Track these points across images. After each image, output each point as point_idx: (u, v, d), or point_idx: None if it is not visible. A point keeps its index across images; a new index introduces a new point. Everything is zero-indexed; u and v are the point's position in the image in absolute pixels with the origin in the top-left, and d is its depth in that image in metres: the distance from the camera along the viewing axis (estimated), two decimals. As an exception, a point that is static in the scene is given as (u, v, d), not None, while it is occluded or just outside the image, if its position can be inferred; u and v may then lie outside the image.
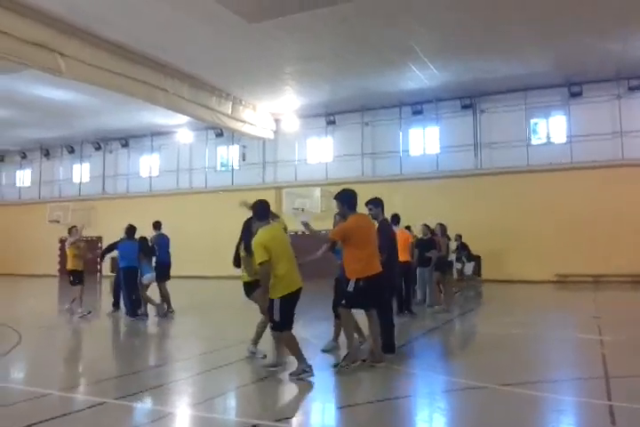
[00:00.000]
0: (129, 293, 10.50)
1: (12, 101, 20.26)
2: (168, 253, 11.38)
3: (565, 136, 19.61)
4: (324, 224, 23.98)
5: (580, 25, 14.37)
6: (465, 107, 20.60)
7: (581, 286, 17.45)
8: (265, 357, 6.58)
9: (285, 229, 6.23)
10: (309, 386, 5.62)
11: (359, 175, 22.23)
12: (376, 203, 7.13)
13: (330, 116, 22.64)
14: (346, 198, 6.30)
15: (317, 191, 22.36)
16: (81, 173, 29.01)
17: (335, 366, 6.01)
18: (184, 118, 21.88)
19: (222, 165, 25.86)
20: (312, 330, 8.55)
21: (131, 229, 10.86)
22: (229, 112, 19.85)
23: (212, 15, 13.19)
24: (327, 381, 5.85)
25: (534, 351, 7.35)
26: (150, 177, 26.77)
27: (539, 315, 11.15)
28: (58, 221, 27.22)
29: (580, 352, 7.35)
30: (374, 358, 6.08)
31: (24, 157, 30.28)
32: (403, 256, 10.00)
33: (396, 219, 10.50)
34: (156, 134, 26.45)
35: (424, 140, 21.92)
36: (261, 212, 5.90)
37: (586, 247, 18.12)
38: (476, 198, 19.93)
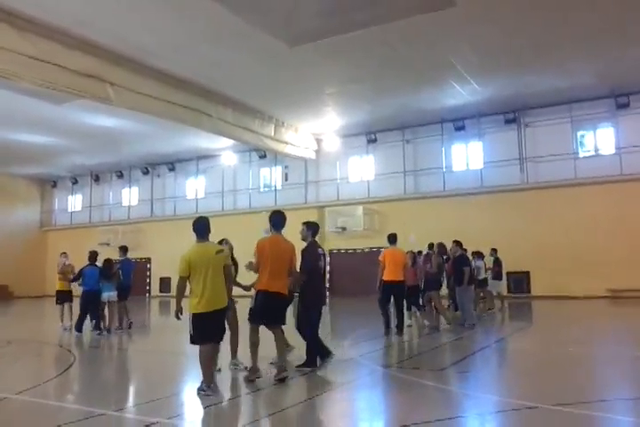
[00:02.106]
0: (92, 312, 11.77)
1: (63, 130, 21.15)
2: (130, 276, 12.51)
3: (614, 148, 19.12)
4: (368, 242, 24.05)
5: (624, 36, 14.13)
6: (508, 121, 20.38)
7: (635, 301, 16.81)
8: (247, 368, 6.64)
9: (222, 252, 6.16)
10: (355, 404, 5.58)
11: (401, 193, 22.17)
12: (309, 226, 7.37)
13: (370, 135, 22.74)
14: (271, 219, 6.79)
15: (360, 210, 22.38)
16: (130, 196, 29.93)
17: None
18: (228, 141, 22.36)
19: (265, 185, 26.22)
20: (359, 350, 8.48)
21: (92, 256, 12.16)
22: (272, 134, 20.19)
23: (255, 42, 13.55)
24: (375, 399, 5.81)
25: (589, 370, 7.10)
26: (196, 199, 27.38)
27: (593, 332, 10.79)
28: (108, 244, 28.02)
29: (637, 371, 7.07)
30: (278, 371, 6.26)
31: (75, 182, 31.48)
32: (395, 276, 10.20)
33: (392, 238, 10.79)
34: (201, 158, 27.10)
35: (467, 156, 21.73)
36: (199, 229, 6.05)
37: (639, 261, 17.50)
38: (523, 213, 19.57)
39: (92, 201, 30.99)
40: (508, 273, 19.76)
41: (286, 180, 25.06)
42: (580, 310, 15.58)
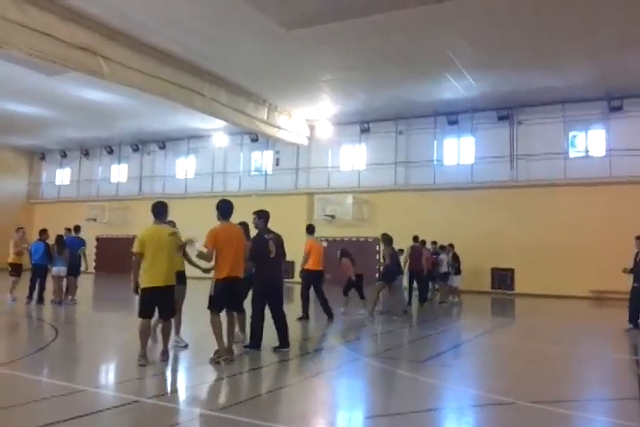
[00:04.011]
0: (39, 283, 12.92)
1: (54, 102, 20.81)
2: (75, 254, 13.20)
3: (605, 150, 19.23)
4: (356, 231, 24.10)
5: (623, 39, 14.11)
6: (501, 118, 20.38)
7: (617, 303, 17.00)
8: (186, 346, 7.44)
9: (175, 234, 6.78)
10: (335, 392, 5.62)
11: (392, 184, 22.17)
12: (259, 214, 7.74)
13: (364, 124, 22.66)
14: (218, 207, 7.05)
15: (349, 198, 22.37)
16: (119, 173, 29.66)
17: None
18: (220, 123, 22.16)
19: (256, 169, 26.09)
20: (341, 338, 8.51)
21: (40, 232, 13.27)
22: (265, 118, 20.03)
23: (252, 23, 13.35)
24: (357, 389, 5.85)
25: (567, 369, 7.21)
26: (186, 179, 27.22)
27: (573, 331, 10.94)
28: (95, 220, 27.90)
29: (614, 372, 7.18)
30: (220, 354, 6.61)
31: (64, 156, 31.10)
32: (318, 265, 10.97)
33: (310, 229, 11.43)
34: (192, 137, 26.87)
35: (459, 151, 21.75)
36: (157, 211, 6.70)
37: (623, 263, 17.64)
38: (511, 210, 19.67)
39: (80, 176, 30.62)
40: (492, 269, 20.03)
41: (277, 164, 24.94)
42: (561, 309, 15.75)
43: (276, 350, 7.38)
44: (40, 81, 17.66)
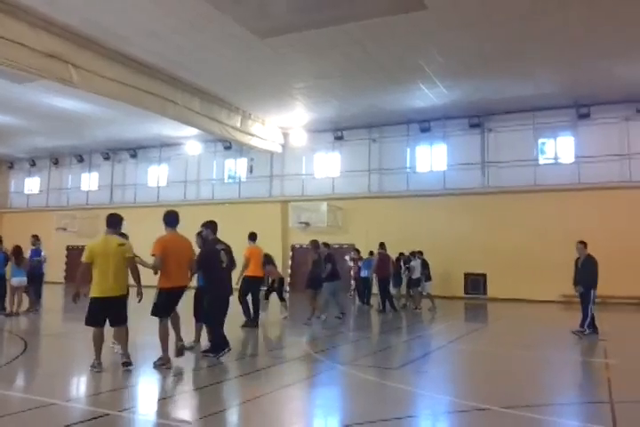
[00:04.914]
0: None
1: (23, 110, 20.45)
2: (38, 263, 13.67)
3: (573, 156, 19.63)
4: (330, 238, 24.16)
5: (592, 49, 14.45)
6: (473, 125, 20.68)
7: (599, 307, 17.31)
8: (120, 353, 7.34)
9: (124, 245, 6.86)
10: (311, 401, 5.59)
11: (366, 191, 22.28)
12: (206, 225, 7.95)
13: (338, 132, 22.76)
14: (164, 218, 7.30)
15: (324, 206, 22.38)
16: (89, 181, 29.21)
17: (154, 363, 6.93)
18: (193, 130, 22.03)
19: (230, 177, 25.98)
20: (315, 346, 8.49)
21: None
22: (238, 125, 19.97)
23: (225, 31, 13.34)
24: (330, 397, 5.83)
25: (539, 374, 7.30)
26: (158, 187, 26.94)
27: (543, 336, 11.09)
28: (65, 229, 27.37)
29: (585, 376, 7.31)
30: (162, 361, 6.90)
31: (33, 164, 30.55)
32: (258, 272, 11.15)
33: (252, 237, 11.48)
34: (164, 145, 26.64)
35: (431, 158, 21.97)
36: (110, 222, 6.93)
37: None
38: (483, 216, 19.93)
39: (49, 184, 30.12)
40: (465, 274, 20.23)
41: (251, 172, 24.85)
42: (532, 314, 15.96)
43: (203, 353, 7.64)
44: (9, 88, 17.36)
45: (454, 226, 20.17)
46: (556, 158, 20.25)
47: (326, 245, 13.35)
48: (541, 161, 20.30)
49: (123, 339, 6.92)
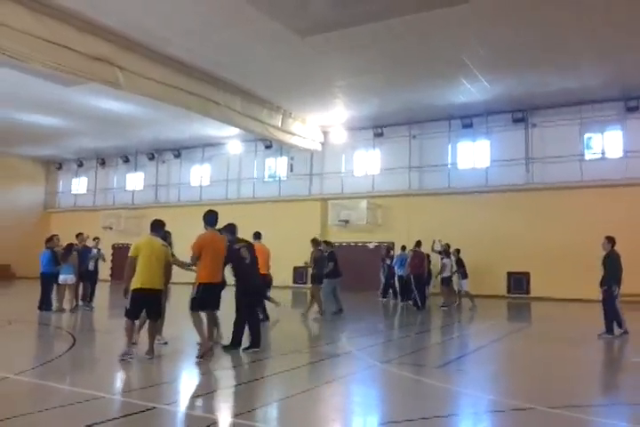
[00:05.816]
0: (45, 292, 12.98)
1: (71, 112, 21.11)
2: (85, 262, 13.76)
3: (622, 151, 19.03)
4: (370, 236, 24.05)
5: (638, 39, 14.00)
6: (516, 120, 20.28)
7: (635, 306, 16.78)
8: (166, 343, 8.07)
9: (167, 246, 7.63)
10: (350, 399, 5.61)
11: (405, 188, 22.14)
12: (225, 229, 8.19)
13: (377, 129, 22.67)
14: (204, 217, 7.71)
15: (363, 203, 22.35)
16: (135, 181, 29.96)
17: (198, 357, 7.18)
18: (234, 130, 22.31)
19: (270, 175, 26.20)
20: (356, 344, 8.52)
21: (47, 240, 13.41)
22: (279, 124, 20.12)
23: (267, 31, 13.47)
24: (370, 394, 5.84)
25: (586, 374, 7.13)
26: (201, 187, 27.42)
27: (587, 336, 10.81)
28: (111, 228, 28.14)
29: (633, 377, 7.09)
30: (203, 352, 7.18)
31: (80, 165, 31.50)
32: (266, 269, 11.19)
33: (257, 235, 11.54)
34: (207, 145, 27.08)
35: (474, 154, 21.65)
36: (154, 227, 7.58)
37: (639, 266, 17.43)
38: (527, 213, 19.54)
39: (96, 184, 31.02)
40: (508, 273, 19.86)
41: (291, 171, 25.02)
42: (580, 313, 15.56)
43: (244, 350, 7.77)
44: (57, 92, 17.95)
45: (497, 223, 19.84)
46: (602, 153, 19.67)
47: (329, 243, 13.97)
48: (587, 156, 19.75)
49: (153, 334, 7.40)
